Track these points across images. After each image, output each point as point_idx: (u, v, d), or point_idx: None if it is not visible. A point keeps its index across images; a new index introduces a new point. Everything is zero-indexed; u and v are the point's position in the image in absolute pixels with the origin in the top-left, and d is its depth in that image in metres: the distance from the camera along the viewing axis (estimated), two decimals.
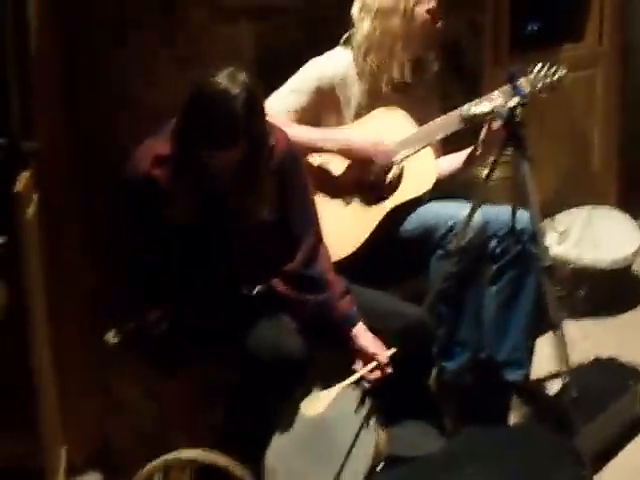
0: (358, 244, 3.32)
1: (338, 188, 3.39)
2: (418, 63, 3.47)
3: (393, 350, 2.96)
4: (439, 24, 3.40)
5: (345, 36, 3.45)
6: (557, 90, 3.32)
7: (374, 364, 2.93)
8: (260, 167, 2.78)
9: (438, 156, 3.51)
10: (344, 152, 3.36)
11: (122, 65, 3.28)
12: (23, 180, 2.76)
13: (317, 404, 2.85)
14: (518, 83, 3.18)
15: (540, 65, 3.29)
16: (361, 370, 2.93)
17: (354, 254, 3.30)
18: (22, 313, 2.74)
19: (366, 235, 3.33)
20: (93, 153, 3.25)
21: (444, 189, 3.50)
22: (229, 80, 2.62)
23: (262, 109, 2.73)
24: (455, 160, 3.52)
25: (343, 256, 3.25)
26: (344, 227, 3.33)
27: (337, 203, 3.39)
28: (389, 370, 2.94)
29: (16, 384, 2.83)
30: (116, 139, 3.20)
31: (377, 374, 2.93)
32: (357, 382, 2.93)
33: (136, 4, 3.35)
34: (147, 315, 2.88)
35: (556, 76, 3.29)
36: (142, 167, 2.76)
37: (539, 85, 3.26)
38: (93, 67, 3.22)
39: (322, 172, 3.39)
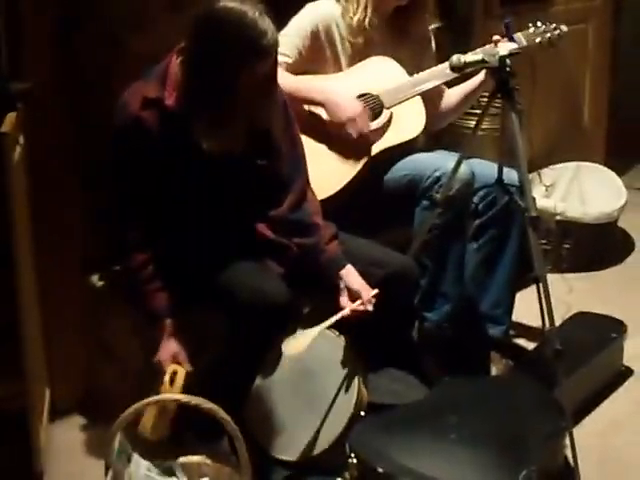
0: (341, 185, 3.31)
1: (326, 130, 3.35)
2: (403, 12, 3.45)
3: (377, 291, 2.95)
4: None
5: None
6: (554, 46, 3.33)
7: (359, 302, 2.92)
8: (277, 83, 2.79)
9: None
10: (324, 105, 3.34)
11: (112, 8, 3.25)
12: (10, 121, 2.74)
13: (299, 342, 2.84)
14: (514, 35, 3.19)
15: (541, 22, 3.29)
16: (346, 308, 2.92)
17: (336, 196, 3.28)
18: (7, 250, 2.73)
19: (350, 177, 3.32)
20: (83, 94, 3.23)
21: (435, 138, 3.51)
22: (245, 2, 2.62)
23: None
24: (461, 89, 3.57)
25: (324, 197, 3.21)
26: (329, 168, 3.31)
27: (323, 144, 3.36)
28: (371, 307, 2.92)
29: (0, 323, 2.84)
30: (106, 83, 3.17)
31: (360, 309, 2.91)
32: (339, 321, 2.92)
33: None
34: (132, 258, 2.87)
35: (557, 31, 3.30)
36: (131, 109, 2.75)
37: (538, 39, 3.27)
38: (83, 8, 3.19)
39: (310, 113, 3.36)
